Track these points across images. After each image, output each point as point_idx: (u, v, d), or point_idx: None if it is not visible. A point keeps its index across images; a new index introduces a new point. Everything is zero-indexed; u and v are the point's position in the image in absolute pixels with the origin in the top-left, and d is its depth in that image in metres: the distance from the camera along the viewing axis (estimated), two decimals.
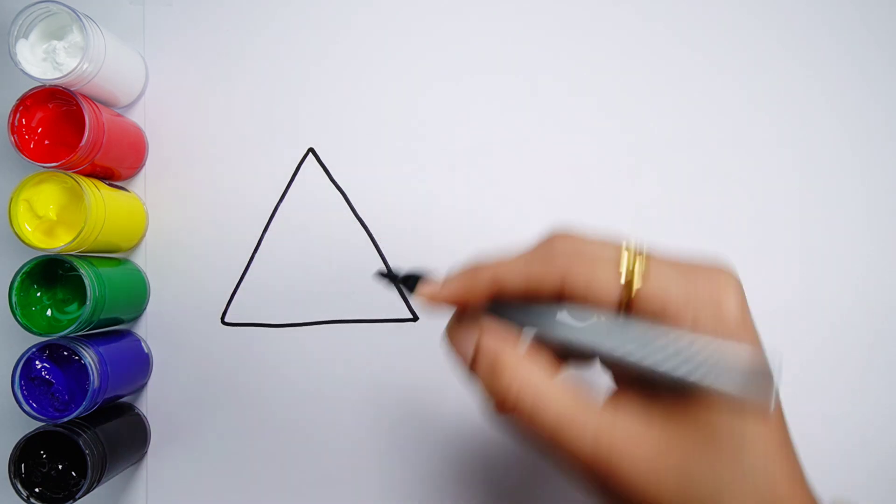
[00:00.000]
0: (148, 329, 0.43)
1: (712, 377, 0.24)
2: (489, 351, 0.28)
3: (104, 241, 0.39)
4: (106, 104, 0.41)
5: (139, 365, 0.41)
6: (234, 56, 0.43)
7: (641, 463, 0.25)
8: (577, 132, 0.42)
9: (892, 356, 0.41)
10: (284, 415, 0.42)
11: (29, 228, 0.37)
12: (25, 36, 0.37)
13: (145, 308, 0.43)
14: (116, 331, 0.42)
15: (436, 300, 0.29)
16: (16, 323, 0.37)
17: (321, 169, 0.43)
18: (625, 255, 0.26)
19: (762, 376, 0.23)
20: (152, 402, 0.43)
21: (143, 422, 0.42)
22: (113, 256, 0.42)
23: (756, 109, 0.42)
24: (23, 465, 0.36)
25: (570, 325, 0.27)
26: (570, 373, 0.28)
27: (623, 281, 0.26)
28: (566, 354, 0.29)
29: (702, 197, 0.42)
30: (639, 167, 0.42)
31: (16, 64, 0.36)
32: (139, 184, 0.43)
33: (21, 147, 0.37)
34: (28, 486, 0.36)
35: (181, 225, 0.43)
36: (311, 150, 0.43)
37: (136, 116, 0.43)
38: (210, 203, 0.43)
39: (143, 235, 0.43)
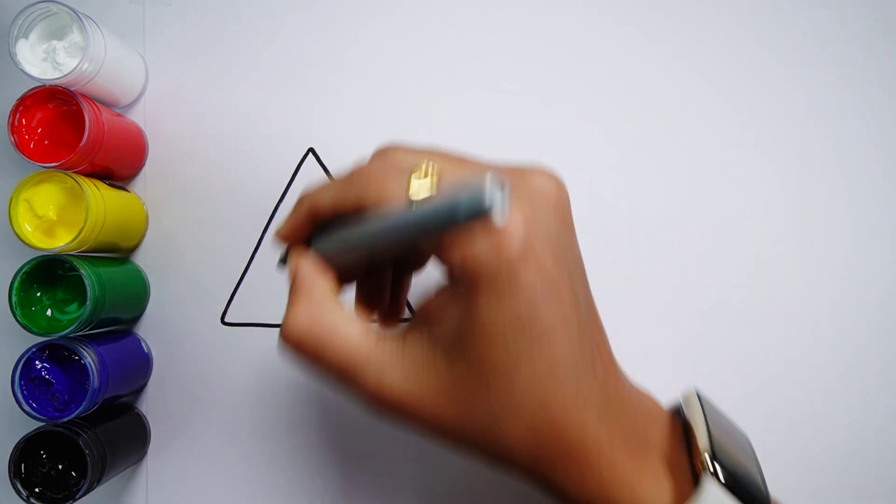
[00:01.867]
0: (148, 329, 0.43)
1: (442, 206, 0.23)
2: (296, 282, 0.29)
3: (104, 241, 0.39)
4: (106, 104, 0.41)
5: (139, 365, 0.41)
6: (234, 56, 0.43)
7: (424, 402, 0.27)
8: (578, 132, 0.42)
9: (893, 356, 0.41)
10: (284, 415, 0.42)
11: (29, 228, 0.37)
12: (25, 36, 0.37)
13: (145, 308, 0.43)
14: (116, 331, 0.42)
15: (279, 239, 0.31)
16: (16, 323, 0.37)
17: (321, 169, 0.43)
18: (413, 173, 0.27)
19: (481, 190, 0.22)
20: (152, 402, 0.43)
21: (143, 422, 0.42)
22: (113, 256, 0.42)
23: (757, 109, 0.42)
24: (23, 465, 0.36)
25: (349, 231, 0.28)
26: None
27: (410, 199, 0.26)
28: (370, 286, 0.31)
29: (702, 196, 0.42)
30: (639, 166, 0.42)
31: (16, 64, 0.36)
32: (139, 184, 0.43)
33: (21, 147, 0.37)
34: (28, 486, 0.36)
35: (181, 225, 0.43)
36: (311, 150, 0.43)
37: (136, 116, 0.43)
38: (210, 203, 0.43)
39: (143, 235, 0.43)
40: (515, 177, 0.28)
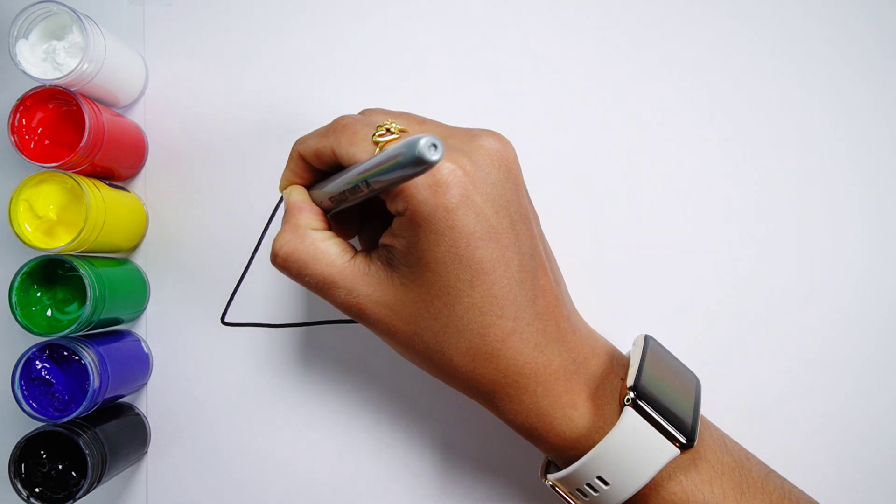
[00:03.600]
0: (148, 329, 0.43)
1: (389, 157, 0.27)
2: (287, 209, 0.34)
3: (104, 241, 0.39)
4: (106, 104, 0.41)
5: (139, 365, 0.41)
6: (235, 56, 0.43)
7: (382, 315, 0.32)
8: (578, 133, 0.42)
9: (892, 355, 0.41)
10: (284, 415, 0.42)
11: (29, 228, 0.37)
12: (25, 36, 0.37)
13: (145, 308, 0.43)
14: (116, 331, 0.42)
15: (281, 185, 0.36)
16: (16, 323, 0.37)
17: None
18: (377, 130, 0.31)
19: (424, 144, 0.25)
20: (152, 402, 0.43)
21: (143, 422, 0.42)
22: (113, 256, 0.42)
23: (757, 109, 0.42)
24: (23, 465, 0.36)
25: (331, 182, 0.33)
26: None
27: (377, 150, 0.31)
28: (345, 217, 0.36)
29: (702, 197, 0.42)
30: (637, 167, 0.42)
31: (16, 64, 0.36)
32: (139, 184, 0.43)
33: (21, 147, 0.37)
34: (28, 486, 0.36)
35: (181, 225, 0.43)
36: None
37: (136, 116, 0.43)
38: (210, 203, 0.43)
39: (143, 235, 0.43)
40: (465, 136, 0.32)
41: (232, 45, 0.43)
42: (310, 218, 0.34)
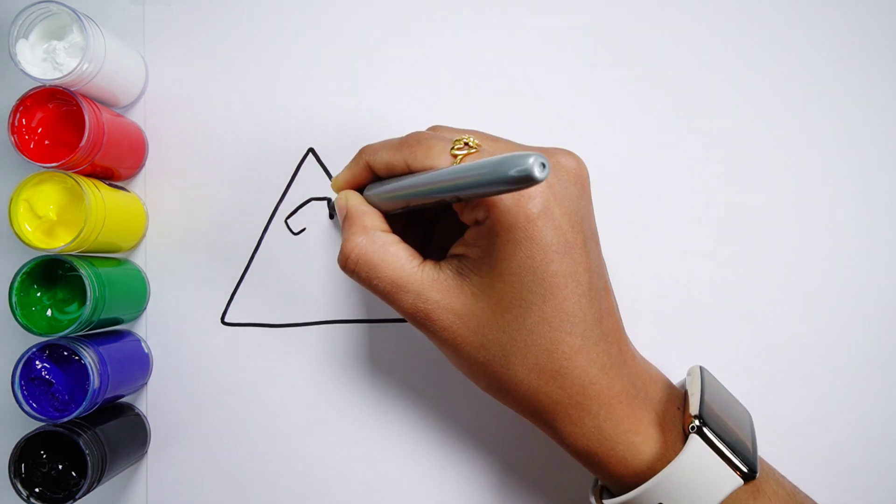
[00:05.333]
0: (148, 329, 0.43)
1: (483, 173, 0.27)
2: (350, 213, 0.34)
3: (104, 241, 0.39)
4: (106, 104, 0.41)
5: (139, 365, 0.41)
6: (235, 56, 0.43)
7: (449, 323, 0.32)
8: (579, 133, 0.42)
9: (892, 355, 0.41)
10: (284, 415, 0.42)
11: (29, 228, 0.37)
12: (25, 36, 0.37)
13: (145, 308, 0.43)
14: (116, 331, 0.42)
15: (337, 188, 0.36)
16: (16, 323, 0.37)
17: (321, 169, 0.43)
18: (454, 144, 0.31)
19: (522, 159, 0.25)
20: (152, 402, 0.43)
21: (143, 422, 0.42)
22: (113, 256, 0.42)
23: (757, 107, 0.42)
24: (23, 465, 0.36)
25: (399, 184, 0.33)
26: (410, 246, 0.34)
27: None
28: (416, 224, 0.36)
29: (701, 196, 0.42)
30: (637, 166, 0.42)
31: (16, 64, 0.36)
32: (139, 184, 0.43)
33: (21, 147, 0.37)
34: (28, 486, 0.36)
35: (181, 225, 0.43)
36: (311, 150, 0.43)
37: (136, 116, 0.43)
38: (210, 203, 0.43)
39: (143, 235, 0.43)
40: (544, 154, 0.30)
41: (232, 44, 0.43)
42: (377, 220, 0.34)
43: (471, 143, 0.31)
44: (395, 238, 0.33)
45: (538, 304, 0.30)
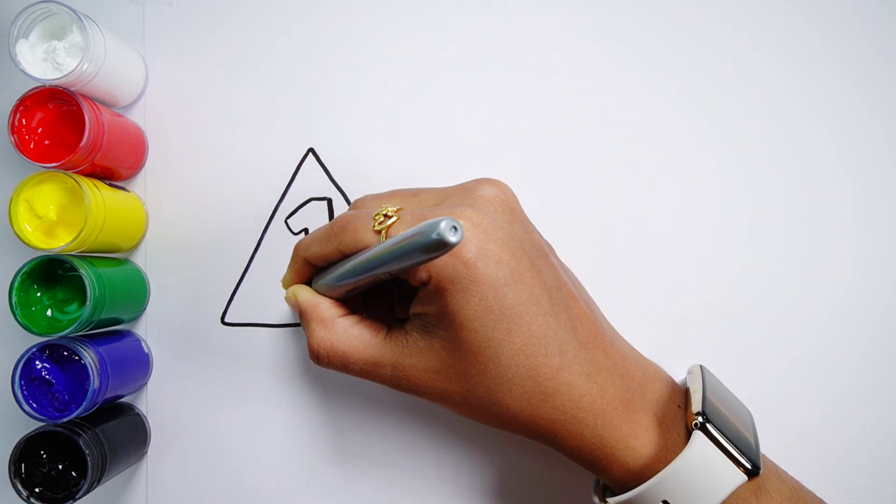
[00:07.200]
0: (148, 329, 0.43)
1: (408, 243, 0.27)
2: (303, 308, 0.35)
3: (104, 241, 0.39)
4: (106, 104, 0.41)
5: (139, 365, 0.41)
6: (235, 56, 0.43)
7: (431, 381, 0.32)
8: (580, 133, 0.42)
9: (892, 355, 0.41)
10: (284, 415, 0.42)
11: (29, 228, 0.37)
12: (25, 36, 0.37)
13: (145, 308, 0.43)
14: (116, 331, 0.42)
15: (285, 286, 0.38)
16: (16, 323, 0.37)
17: (321, 169, 0.43)
18: (375, 219, 0.32)
19: (438, 226, 0.26)
20: (152, 402, 0.43)
21: (143, 422, 0.42)
22: (113, 256, 0.42)
23: (756, 108, 0.42)
24: (23, 465, 0.36)
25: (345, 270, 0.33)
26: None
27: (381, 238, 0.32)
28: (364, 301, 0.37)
29: (702, 196, 0.42)
30: (637, 167, 0.42)
31: (16, 64, 0.36)
32: (139, 184, 0.43)
33: (21, 147, 0.37)
34: (28, 486, 0.36)
35: (181, 225, 0.43)
36: (311, 150, 0.43)
37: (136, 116, 0.43)
38: (210, 203, 0.43)
39: (143, 235, 0.43)
40: (462, 192, 0.33)
41: (232, 44, 0.43)
42: (331, 308, 0.35)
43: (389, 214, 0.32)
44: (353, 319, 0.34)
45: (507, 339, 0.30)
